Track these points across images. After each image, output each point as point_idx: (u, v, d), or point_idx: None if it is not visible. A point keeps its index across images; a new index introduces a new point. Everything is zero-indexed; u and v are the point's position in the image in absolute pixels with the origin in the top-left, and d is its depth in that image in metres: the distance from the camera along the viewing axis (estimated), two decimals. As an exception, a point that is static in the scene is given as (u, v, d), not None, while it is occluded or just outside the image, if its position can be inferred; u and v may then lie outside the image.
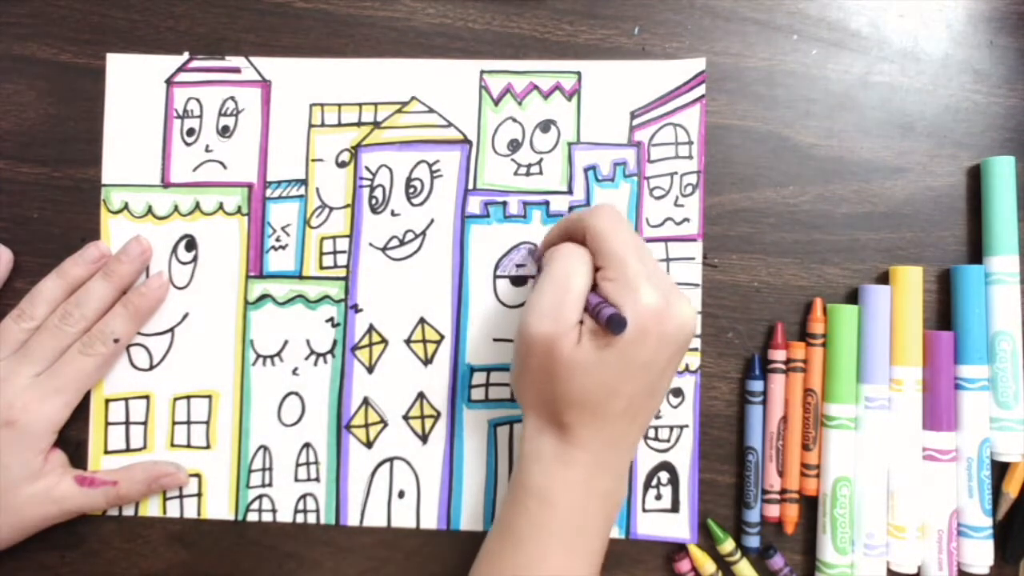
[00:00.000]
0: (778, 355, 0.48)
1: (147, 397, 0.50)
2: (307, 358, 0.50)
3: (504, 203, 0.50)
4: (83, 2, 0.51)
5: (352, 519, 0.49)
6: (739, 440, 0.49)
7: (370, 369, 0.50)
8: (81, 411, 0.49)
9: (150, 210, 0.50)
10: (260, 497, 0.49)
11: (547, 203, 0.50)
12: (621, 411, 0.41)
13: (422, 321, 0.50)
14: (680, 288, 0.42)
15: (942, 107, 0.49)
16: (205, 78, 0.51)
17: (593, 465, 0.41)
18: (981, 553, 0.46)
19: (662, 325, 0.40)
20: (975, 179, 0.49)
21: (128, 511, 0.50)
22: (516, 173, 0.50)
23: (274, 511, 0.49)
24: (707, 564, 0.48)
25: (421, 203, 0.50)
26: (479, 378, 0.49)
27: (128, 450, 0.50)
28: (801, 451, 0.48)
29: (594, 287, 0.41)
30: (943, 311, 0.49)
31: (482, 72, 0.50)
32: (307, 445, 0.50)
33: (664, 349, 0.40)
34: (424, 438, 0.49)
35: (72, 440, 0.49)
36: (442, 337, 0.50)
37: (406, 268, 0.50)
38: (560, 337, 0.40)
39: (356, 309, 0.50)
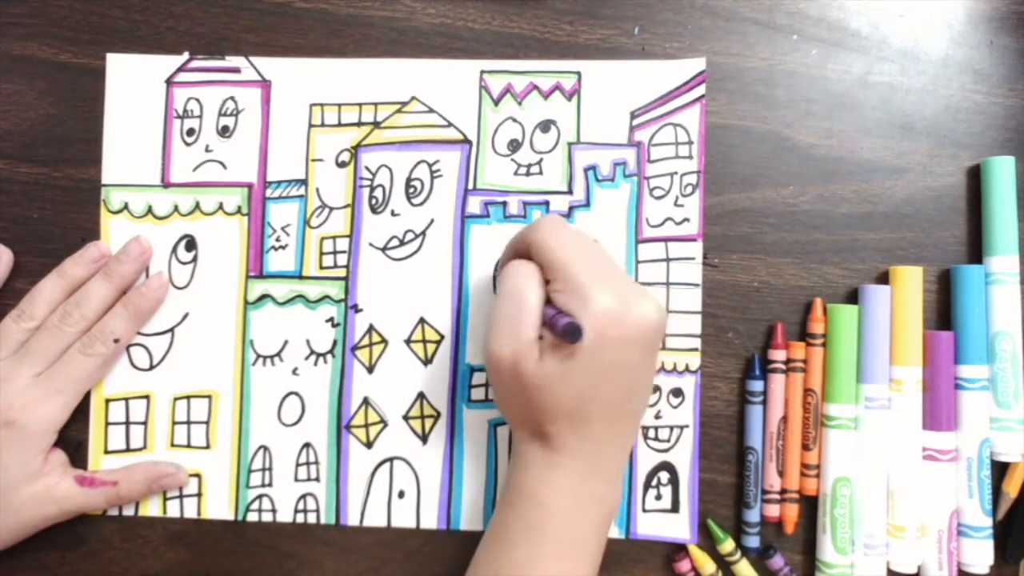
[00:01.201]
0: (778, 355, 0.48)
1: (147, 397, 0.50)
2: (307, 358, 0.50)
3: (504, 203, 0.50)
4: (83, 2, 0.51)
5: (352, 519, 0.49)
6: (739, 440, 0.49)
7: (370, 369, 0.50)
8: (81, 411, 0.49)
9: (150, 210, 0.50)
10: (260, 497, 0.49)
11: (547, 203, 0.50)
12: (600, 415, 0.41)
13: (422, 321, 0.50)
14: (643, 287, 0.42)
15: (942, 107, 0.49)
16: (205, 78, 0.51)
17: (582, 471, 0.41)
18: (981, 553, 0.46)
19: (621, 326, 0.40)
20: (975, 179, 0.49)
21: (128, 511, 0.50)
22: (516, 173, 0.50)
23: (274, 511, 0.49)
24: (707, 564, 0.48)
25: (421, 203, 0.50)
26: (479, 378, 0.49)
27: (128, 450, 0.50)
28: (801, 451, 0.48)
29: (548, 301, 0.41)
30: (943, 311, 0.49)
31: (482, 72, 0.50)
32: (307, 445, 0.50)
33: (629, 349, 0.40)
34: (424, 438, 0.49)
35: (72, 440, 0.49)
36: (442, 337, 0.50)
37: (406, 268, 0.50)
38: (521, 356, 0.40)
39: (356, 309, 0.50)
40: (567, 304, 0.40)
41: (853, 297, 0.49)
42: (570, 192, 0.50)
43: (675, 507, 0.48)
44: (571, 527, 0.41)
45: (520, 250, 0.43)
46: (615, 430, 0.42)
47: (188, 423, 0.50)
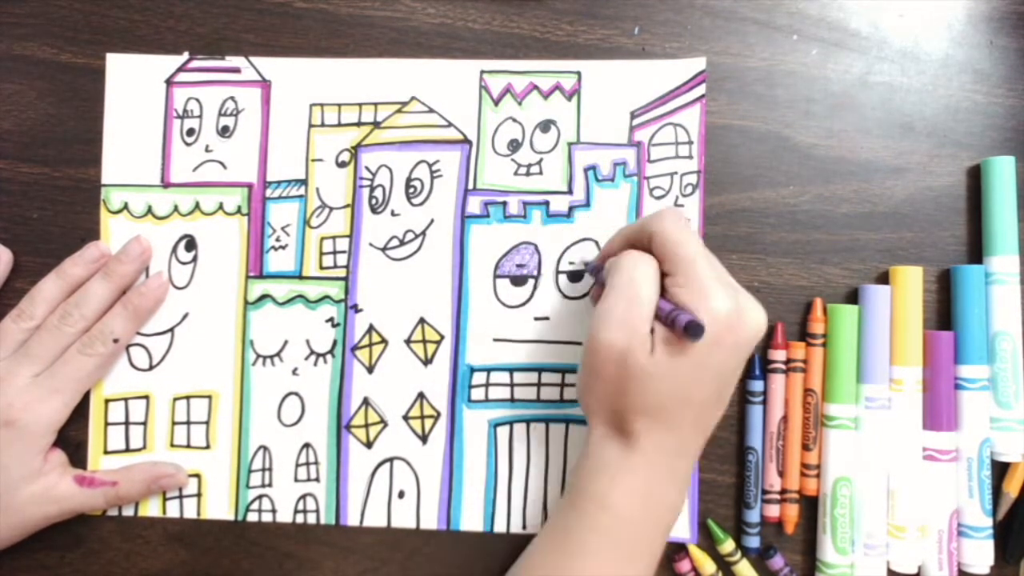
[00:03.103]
0: (778, 355, 0.48)
1: (147, 397, 0.50)
2: (307, 358, 0.50)
3: (504, 203, 0.50)
4: (83, 2, 0.51)
5: (352, 519, 0.49)
6: (739, 440, 0.49)
7: (370, 369, 0.50)
8: (81, 411, 0.49)
9: (150, 210, 0.50)
10: (260, 497, 0.49)
11: (547, 203, 0.50)
12: (690, 419, 0.40)
13: (422, 321, 0.50)
14: (750, 295, 0.41)
15: (942, 107, 0.49)
16: (205, 78, 0.51)
17: (655, 475, 0.41)
18: (981, 553, 0.46)
19: (735, 331, 0.39)
20: (975, 179, 0.49)
21: (128, 511, 0.49)
22: (516, 173, 0.50)
23: (274, 511, 0.49)
24: (707, 564, 0.48)
25: (421, 203, 0.50)
26: (479, 378, 0.49)
27: (128, 450, 0.50)
28: (801, 451, 0.48)
29: (663, 295, 0.41)
30: (943, 311, 0.49)
31: (482, 72, 0.50)
32: (307, 445, 0.50)
33: (734, 355, 0.40)
34: (424, 438, 0.49)
35: (72, 440, 0.49)
36: (442, 337, 0.50)
37: (406, 268, 0.50)
38: (634, 347, 0.39)
39: (356, 309, 0.50)
40: (687, 301, 0.39)
41: (853, 297, 0.49)
42: (570, 192, 0.50)
43: (675, 507, 0.48)
44: (637, 532, 0.41)
45: (638, 239, 0.43)
46: (694, 436, 0.41)
47: (188, 423, 0.50)
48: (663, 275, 0.41)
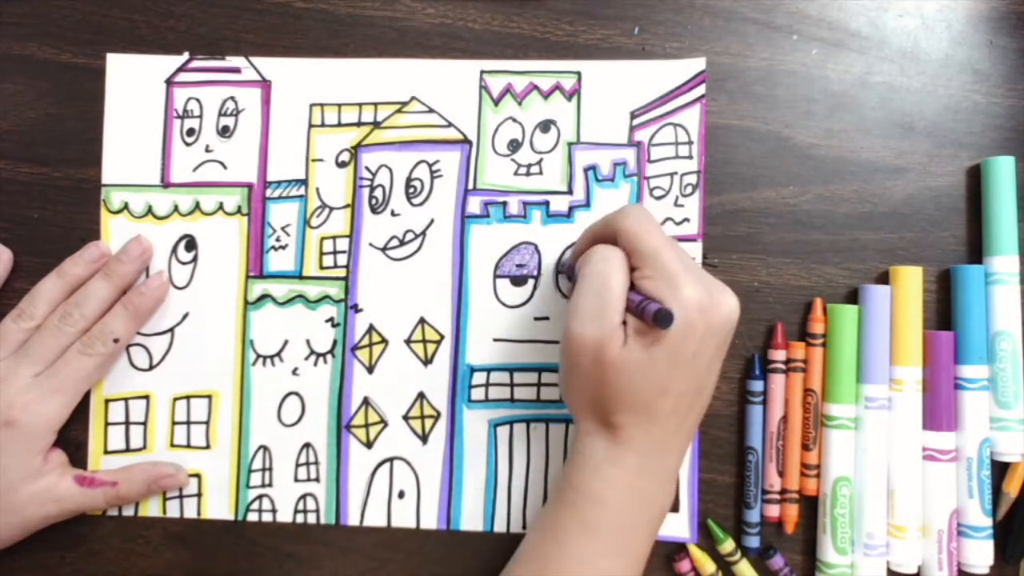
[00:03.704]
0: (778, 355, 0.48)
1: (147, 397, 0.50)
2: (307, 358, 0.50)
3: (504, 203, 0.50)
4: (83, 2, 0.51)
5: (352, 519, 0.49)
6: (739, 440, 0.49)
7: (370, 369, 0.50)
8: (81, 411, 0.49)
9: (150, 210, 0.50)
10: (260, 497, 0.49)
11: (547, 203, 0.50)
12: (671, 410, 0.40)
13: (422, 321, 0.50)
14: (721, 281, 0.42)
15: (942, 107, 0.49)
16: (205, 78, 0.51)
17: (641, 467, 0.41)
18: (981, 553, 0.46)
19: (708, 318, 0.40)
20: (975, 179, 0.49)
21: (128, 511, 0.50)
22: (516, 173, 0.50)
23: (274, 511, 0.49)
24: (707, 564, 0.48)
25: (421, 203, 0.50)
26: (479, 378, 0.49)
27: (128, 450, 0.50)
28: (801, 451, 0.48)
29: (632, 288, 0.41)
30: (943, 311, 0.49)
31: (482, 72, 0.50)
32: (307, 445, 0.50)
33: (710, 341, 0.40)
34: (424, 438, 0.49)
35: (72, 440, 0.49)
36: (442, 337, 0.50)
37: (406, 268, 0.50)
38: (606, 339, 0.40)
39: (356, 309, 0.50)
40: (656, 290, 0.40)
41: (853, 297, 0.49)
42: (570, 192, 0.50)
43: (675, 507, 0.48)
44: (625, 526, 0.41)
45: (604, 236, 0.43)
46: (678, 427, 0.41)
47: (188, 423, 0.50)
48: (632, 269, 0.41)
